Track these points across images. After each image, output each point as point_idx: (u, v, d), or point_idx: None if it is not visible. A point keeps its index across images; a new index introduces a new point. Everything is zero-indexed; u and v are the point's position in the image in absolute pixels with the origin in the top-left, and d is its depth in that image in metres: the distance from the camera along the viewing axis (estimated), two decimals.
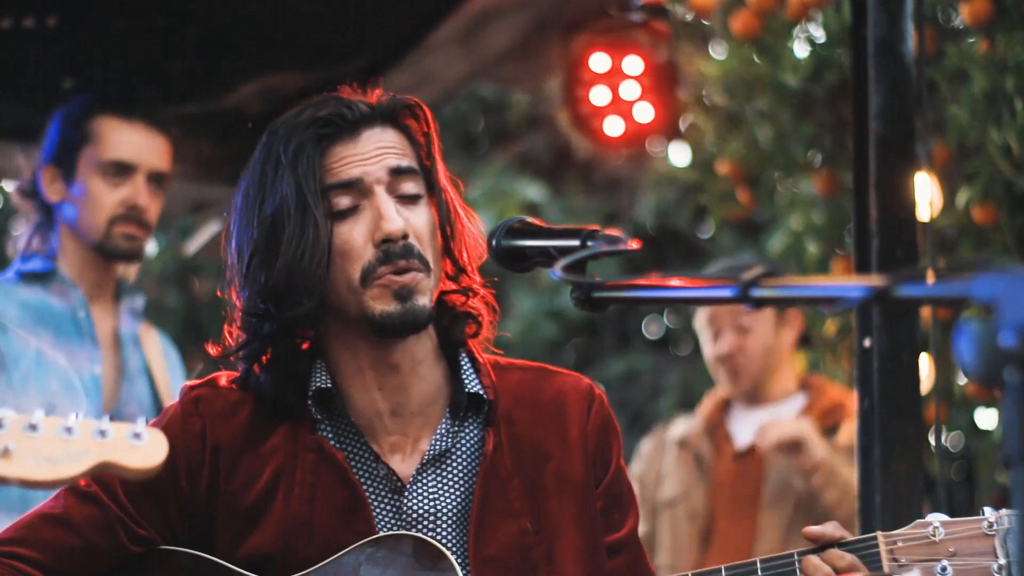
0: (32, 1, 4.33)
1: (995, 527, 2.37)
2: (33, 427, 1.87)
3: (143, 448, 1.91)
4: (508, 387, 2.53)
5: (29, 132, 4.19)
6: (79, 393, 3.72)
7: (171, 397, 3.98)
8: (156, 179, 3.97)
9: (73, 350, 3.81)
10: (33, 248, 3.99)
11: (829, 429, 4.85)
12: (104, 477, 2.43)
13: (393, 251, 2.38)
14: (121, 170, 3.92)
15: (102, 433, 1.89)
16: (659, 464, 5.08)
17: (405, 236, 2.39)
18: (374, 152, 2.43)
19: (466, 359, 2.52)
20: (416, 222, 2.42)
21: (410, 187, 2.44)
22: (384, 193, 2.41)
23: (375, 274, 2.38)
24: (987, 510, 2.40)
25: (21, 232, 4.07)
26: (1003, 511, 2.38)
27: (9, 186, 4.16)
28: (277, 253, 2.39)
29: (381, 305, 2.38)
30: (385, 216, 2.38)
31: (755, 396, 5.01)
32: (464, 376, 2.49)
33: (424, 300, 2.40)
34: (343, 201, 2.41)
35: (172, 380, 4.08)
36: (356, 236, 2.40)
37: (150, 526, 2.44)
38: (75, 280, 3.92)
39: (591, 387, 2.58)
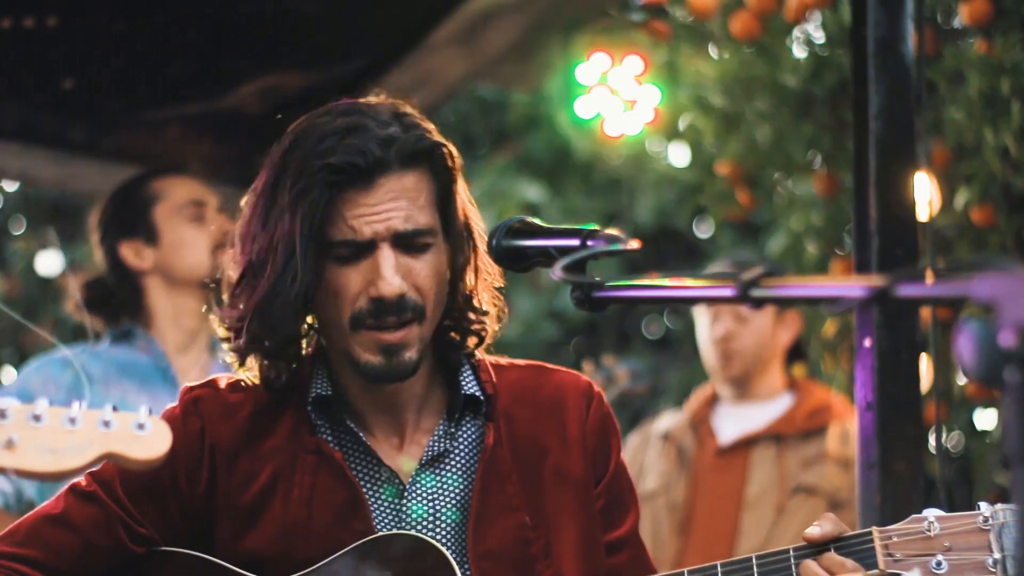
0: (32, 1, 4.32)
1: (990, 522, 2.36)
2: (37, 418, 1.85)
3: (147, 438, 1.90)
4: (507, 385, 2.53)
5: (29, 132, 4.18)
6: None
7: None
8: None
9: (157, 395, 3.90)
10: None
11: (816, 430, 4.86)
12: (104, 476, 2.44)
13: (385, 306, 2.37)
14: (197, 206, 4.07)
15: (106, 424, 1.87)
16: (642, 457, 5.09)
17: (401, 294, 2.37)
18: (385, 206, 2.36)
19: (464, 361, 2.53)
20: (419, 273, 2.39)
21: (418, 240, 2.40)
22: (387, 249, 2.37)
23: (364, 323, 2.38)
24: (983, 505, 2.39)
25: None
26: (998, 505, 2.37)
27: (9, 186, 4.16)
28: (258, 284, 2.39)
29: (367, 355, 2.39)
30: (383, 276, 2.36)
31: (743, 389, 5.01)
32: (462, 379, 2.50)
33: (411, 353, 2.39)
34: (345, 251, 2.38)
35: None
36: (352, 283, 2.38)
37: (150, 525, 2.45)
38: (171, 330, 4.06)
39: (590, 385, 2.58)
